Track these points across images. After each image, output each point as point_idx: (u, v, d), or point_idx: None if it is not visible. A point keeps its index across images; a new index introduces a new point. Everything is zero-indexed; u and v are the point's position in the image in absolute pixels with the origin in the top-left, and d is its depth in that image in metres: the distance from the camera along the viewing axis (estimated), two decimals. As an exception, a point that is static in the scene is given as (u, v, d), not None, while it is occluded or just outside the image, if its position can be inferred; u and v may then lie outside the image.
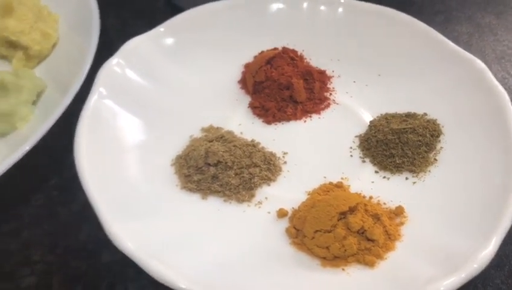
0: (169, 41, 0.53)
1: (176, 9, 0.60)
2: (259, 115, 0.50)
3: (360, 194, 0.43)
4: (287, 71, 0.51)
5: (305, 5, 0.55)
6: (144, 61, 0.50)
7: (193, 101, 0.51)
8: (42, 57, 0.55)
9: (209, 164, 0.44)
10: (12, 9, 0.53)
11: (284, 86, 0.50)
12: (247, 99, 0.52)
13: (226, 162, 0.44)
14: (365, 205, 0.40)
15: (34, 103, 0.50)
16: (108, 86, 0.47)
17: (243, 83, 0.53)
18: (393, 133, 0.46)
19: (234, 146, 0.45)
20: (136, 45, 0.51)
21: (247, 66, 0.53)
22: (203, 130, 0.48)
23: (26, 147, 0.42)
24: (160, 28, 0.53)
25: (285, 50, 0.54)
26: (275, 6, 0.55)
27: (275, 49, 0.54)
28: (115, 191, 0.41)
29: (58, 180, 0.47)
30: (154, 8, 0.64)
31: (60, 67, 0.54)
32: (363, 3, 0.54)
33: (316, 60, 0.54)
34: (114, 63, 0.49)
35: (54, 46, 0.55)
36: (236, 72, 0.54)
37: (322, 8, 0.55)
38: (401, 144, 0.45)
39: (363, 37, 0.53)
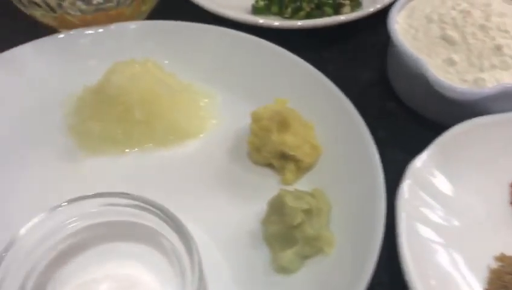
0: (443, 158, 0.54)
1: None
2: (545, 243, 0.51)
3: None
4: None
5: None
6: (427, 181, 0.52)
7: (473, 224, 0.52)
8: (309, 169, 0.56)
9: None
10: (289, 125, 0.55)
11: None
12: (525, 223, 0.53)
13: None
14: None
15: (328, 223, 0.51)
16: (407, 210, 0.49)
17: (517, 205, 0.53)
18: None
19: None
20: (420, 165, 0.52)
21: (517, 187, 0.54)
22: (497, 258, 0.49)
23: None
24: (436, 145, 0.54)
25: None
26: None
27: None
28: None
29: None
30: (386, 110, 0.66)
31: (326, 179, 0.55)
32: None
33: None
34: (407, 185, 0.50)
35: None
36: (504, 193, 0.55)
37: None
38: None
39: None
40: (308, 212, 0.49)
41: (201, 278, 0.42)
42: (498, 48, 0.58)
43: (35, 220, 0.44)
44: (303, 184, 0.56)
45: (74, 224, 0.46)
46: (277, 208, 0.50)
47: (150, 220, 0.46)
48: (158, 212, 0.45)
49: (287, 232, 0.49)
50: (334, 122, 0.58)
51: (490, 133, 0.55)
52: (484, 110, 0.57)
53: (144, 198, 0.45)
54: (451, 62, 0.58)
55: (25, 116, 0.62)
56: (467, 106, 0.57)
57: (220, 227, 0.52)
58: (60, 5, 0.65)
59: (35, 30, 0.69)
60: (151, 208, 0.45)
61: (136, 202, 0.45)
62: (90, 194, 0.46)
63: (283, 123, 0.55)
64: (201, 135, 0.61)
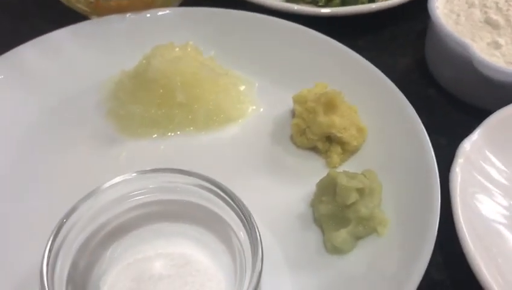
0: (492, 140, 0.53)
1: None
2: None
3: None
4: None
5: None
6: (479, 162, 0.51)
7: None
8: (354, 152, 0.55)
9: None
10: (336, 106, 0.54)
11: None
12: None
13: None
14: None
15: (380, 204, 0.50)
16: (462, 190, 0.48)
17: None
18: None
19: None
20: (470, 146, 0.51)
21: None
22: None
23: None
24: (485, 127, 0.53)
25: None
26: None
27: None
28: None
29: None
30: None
31: (372, 162, 0.54)
32: None
33: None
34: (459, 166, 0.49)
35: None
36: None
37: None
38: None
39: None
40: (361, 191, 0.48)
41: (260, 274, 0.40)
42: (543, 30, 0.57)
43: (95, 191, 0.43)
44: (348, 168, 0.55)
45: (133, 199, 0.45)
46: (328, 188, 0.49)
47: (215, 203, 0.45)
48: (228, 199, 0.43)
49: (339, 212, 0.48)
50: (378, 106, 0.58)
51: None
52: (530, 93, 0.56)
53: (214, 181, 0.44)
54: (496, 45, 0.58)
55: (63, 100, 0.61)
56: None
57: (268, 210, 0.51)
58: (96, -10, 0.65)
59: (66, 19, 0.68)
60: (221, 193, 0.44)
61: (205, 183, 0.44)
62: (156, 168, 0.45)
63: (329, 104, 0.54)
64: (240, 120, 0.60)
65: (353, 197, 0.47)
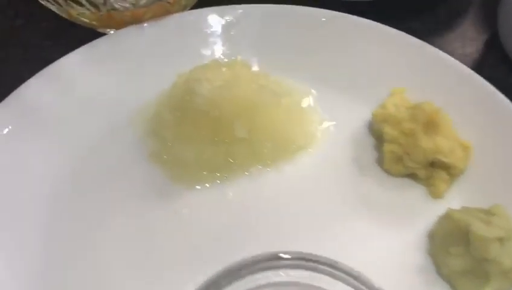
0: None
1: None
2: None
3: None
4: None
5: None
6: None
7: None
8: (459, 175, 0.46)
9: None
10: (438, 125, 0.44)
11: None
12: None
13: None
14: None
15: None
16: None
17: None
18: None
19: None
20: None
21: None
22: None
23: None
24: None
25: None
26: None
27: None
28: None
29: None
30: None
31: (480, 184, 0.45)
32: None
33: None
34: None
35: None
36: None
37: None
38: None
39: None
40: (500, 238, 0.39)
41: None
42: None
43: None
44: (452, 196, 0.46)
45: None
46: (454, 235, 0.40)
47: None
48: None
49: (476, 267, 0.39)
50: (474, 112, 0.48)
51: None
52: None
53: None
54: None
55: (90, 144, 0.49)
56: None
57: (372, 262, 0.41)
58: (105, 2, 0.52)
59: (68, 33, 0.57)
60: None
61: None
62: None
63: (430, 124, 0.44)
64: (311, 147, 0.50)
65: (495, 249, 0.38)
